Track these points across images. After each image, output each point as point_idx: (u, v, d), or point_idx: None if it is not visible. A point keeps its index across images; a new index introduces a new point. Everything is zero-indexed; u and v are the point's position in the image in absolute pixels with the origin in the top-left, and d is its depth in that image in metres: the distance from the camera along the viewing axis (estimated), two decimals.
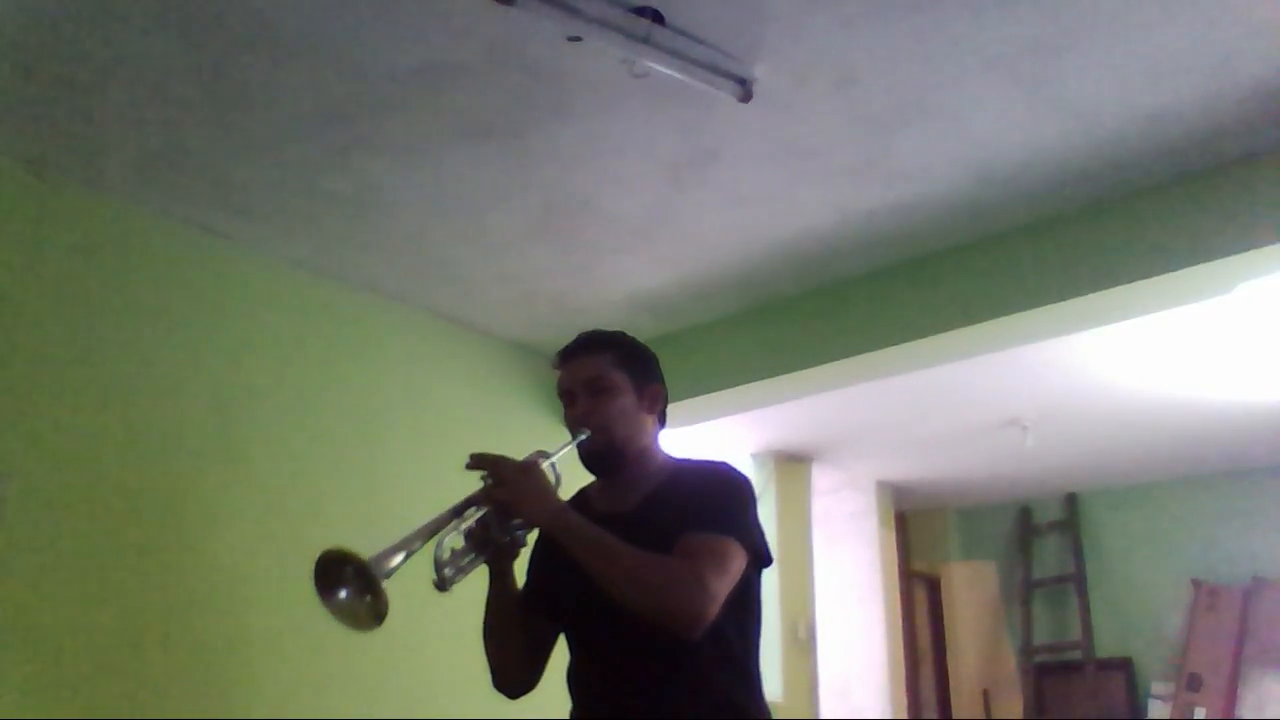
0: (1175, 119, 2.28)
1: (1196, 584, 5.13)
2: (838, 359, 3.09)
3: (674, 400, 3.30)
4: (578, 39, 1.93)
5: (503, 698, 1.78)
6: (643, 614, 1.45)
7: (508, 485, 1.52)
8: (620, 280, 3.10)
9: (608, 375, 1.66)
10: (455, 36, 1.99)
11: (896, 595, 5.51)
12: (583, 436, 1.64)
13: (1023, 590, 5.72)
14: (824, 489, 5.13)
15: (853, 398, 3.80)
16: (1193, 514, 5.29)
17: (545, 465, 1.60)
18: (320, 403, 2.93)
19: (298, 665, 2.69)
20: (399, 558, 1.40)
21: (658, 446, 1.73)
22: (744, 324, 3.34)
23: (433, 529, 1.49)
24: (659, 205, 2.65)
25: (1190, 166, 2.48)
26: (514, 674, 1.72)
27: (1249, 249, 2.40)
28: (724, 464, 1.67)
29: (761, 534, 1.60)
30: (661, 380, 1.76)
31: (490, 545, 1.57)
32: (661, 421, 1.76)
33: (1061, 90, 2.17)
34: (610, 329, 1.78)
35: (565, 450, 1.65)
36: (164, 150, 2.38)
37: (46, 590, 2.28)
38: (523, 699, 1.76)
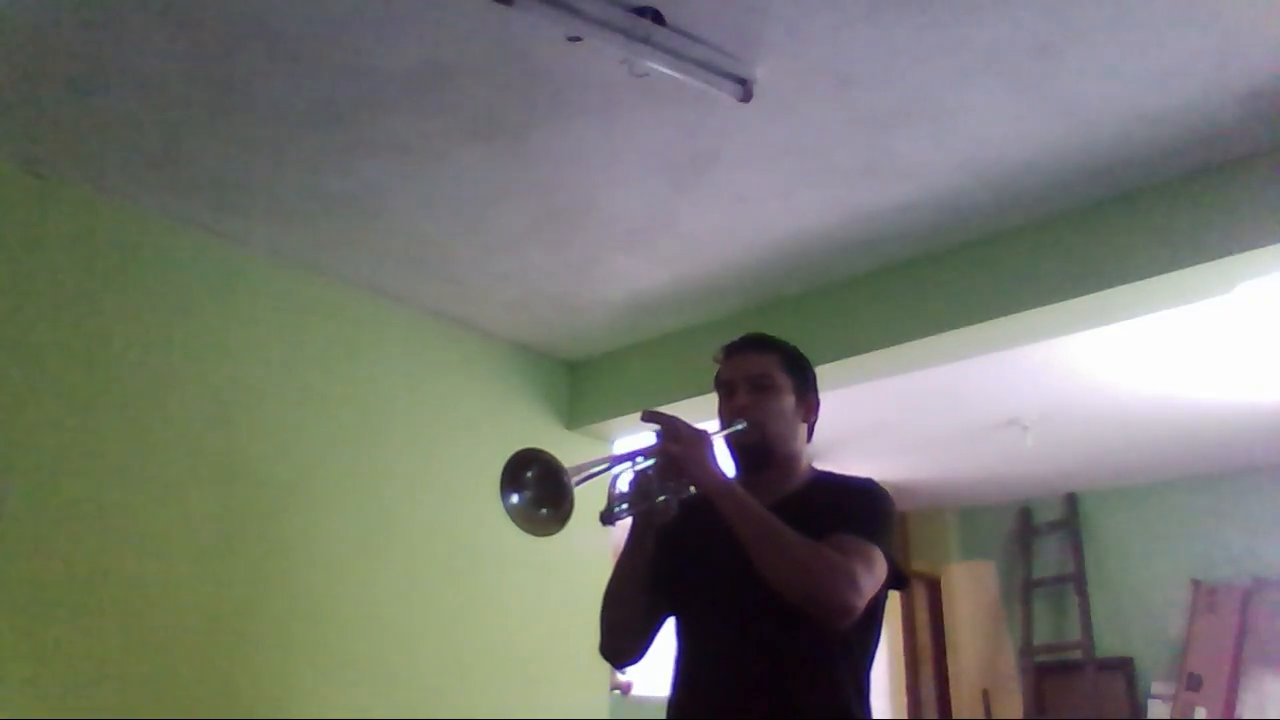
0: (1175, 119, 2.28)
1: (1196, 584, 5.12)
2: (838, 359, 3.08)
3: (674, 401, 3.34)
4: (578, 39, 1.93)
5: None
6: (793, 594, 1.45)
7: (681, 443, 1.52)
8: (620, 280, 3.10)
9: (773, 374, 1.70)
10: (455, 36, 1.99)
11: (897, 595, 5.50)
12: (739, 426, 1.65)
13: (1023, 590, 5.71)
14: None
15: (853, 398, 3.79)
16: (1193, 514, 5.29)
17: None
18: (320, 402, 2.93)
19: (301, 666, 2.69)
20: (583, 474, 1.42)
21: (803, 457, 1.74)
22: (744, 324, 3.29)
23: (616, 460, 1.51)
24: (659, 205, 2.65)
25: (1190, 166, 2.48)
26: (627, 642, 1.71)
27: (1249, 249, 2.39)
28: (871, 480, 1.70)
29: (898, 555, 1.62)
30: (819, 396, 1.78)
31: (648, 500, 1.57)
32: (809, 436, 1.77)
33: (1061, 90, 2.17)
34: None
35: (721, 435, 1.66)
36: (164, 150, 2.38)
37: (47, 590, 2.28)
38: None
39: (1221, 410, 4.23)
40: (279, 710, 2.60)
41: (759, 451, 1.67)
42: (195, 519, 2.58)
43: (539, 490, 1.40)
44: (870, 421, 4.49)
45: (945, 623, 5.98)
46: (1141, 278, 2.54)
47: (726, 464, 1.64)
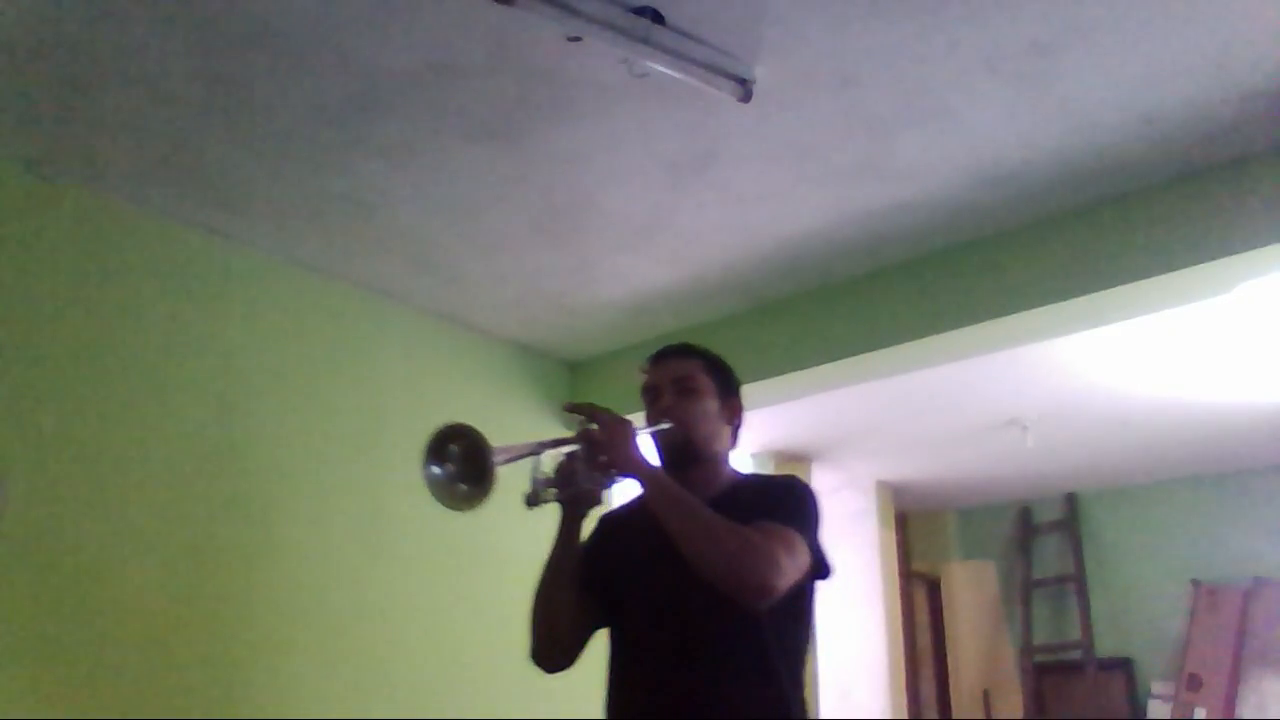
0: (1175, 119, 2.28)
1: (1196, 584, 5.13)
2: (838, 359, 3.09)
3: None
4: (578, 39, 1.93)
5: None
6: (713, 574, 1.47)
7: (604, 429, 1.57)
8: (620, 280, 3.10)
9: (697, 377, 1.76)
10: (455, 36, 1.99)
11: (896, 595, 5.51)
12: (665, 425, 1.70)
13: (1023, 590, 5.72)
14: (824, 489, 5.09)
15: (853, 398, 3.80)
16: (1193, 514, 5.30)
17: None
18: (320, 402, 2.93)
19: (300, 666, 2.69)
20: (507, 455, 1.46)
21: (729, 460, 1.79)
22: (744, 324, 3.34)
23: (538, 447, 1.55)
24: (659, 205, 2.65)
25: (1190, 166, 2.48)
26: (555, 646, 1.72)
27: (1249, 249, 2.40)
28: (794, 476, 1.75)
29: (823, 546, 1.64)
30: (742, 400, 1.83)
31: (572, 485, 1.60)
32: (735, 439, 1.82)
33: (1061, 90, 2.17)
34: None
35: (646, 432, 1.69)
36: (164, 150, 2.38)
37: (46, 590, 2.28)
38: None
39: (1221, 410, 4.24)
40: (278, 709, 2.60)
41: (685, 450, 1.71)
42: (195, 518, 2.57)
43: (462, 466, 1.44)
44: (870, 421, 4.49)
45: (945, 623, 5.98)
46: (1141, 278, 2.55)
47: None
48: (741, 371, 3.25)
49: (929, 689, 5.94)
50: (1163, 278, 2.52)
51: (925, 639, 6.07)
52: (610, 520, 1.80)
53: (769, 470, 4.83)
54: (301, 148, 2.37)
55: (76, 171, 2.46)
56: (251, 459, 2.73)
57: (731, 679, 1.54)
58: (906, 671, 5.56)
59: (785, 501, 1.64)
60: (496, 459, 1.40)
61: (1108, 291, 2.60)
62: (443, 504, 1.45)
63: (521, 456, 1.51)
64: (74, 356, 2.44)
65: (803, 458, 5.04)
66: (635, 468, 1.54)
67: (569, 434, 1.61)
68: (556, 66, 2.07)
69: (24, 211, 2.43)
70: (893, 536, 5.63)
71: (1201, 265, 2.46)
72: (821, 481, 5.12)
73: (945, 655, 5.93)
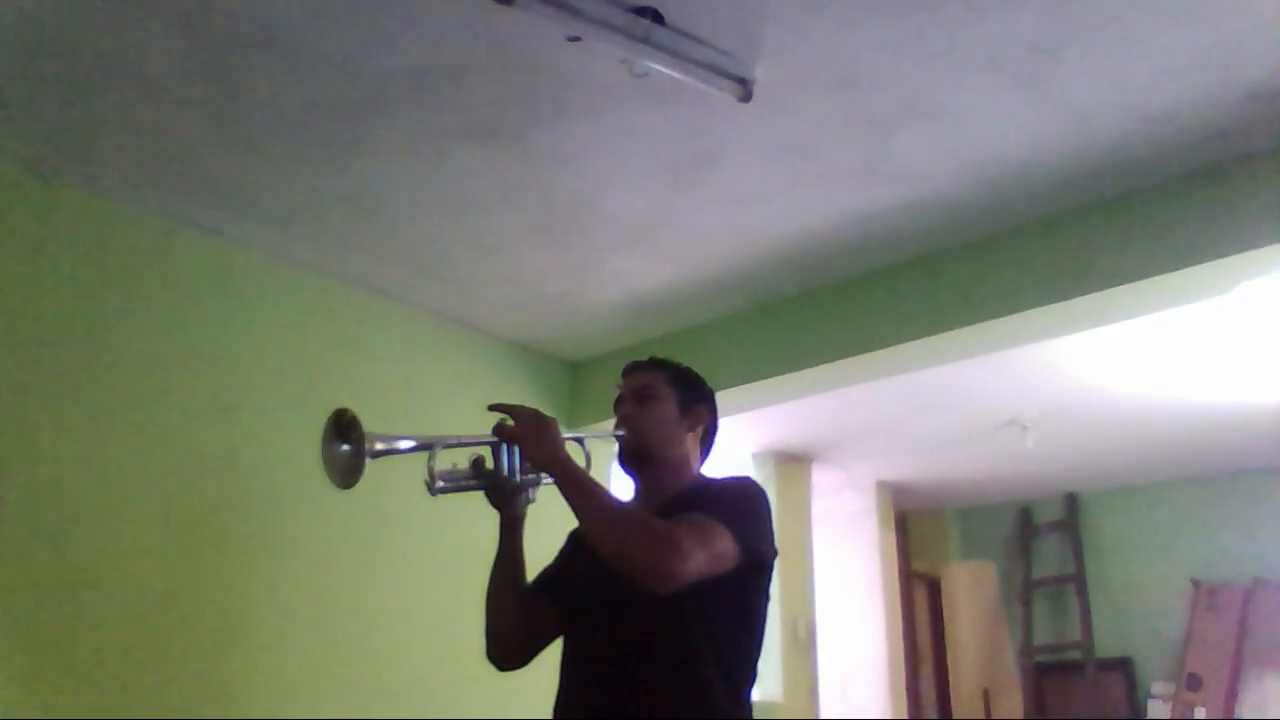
0: (1175, 119, 2.28)
1: (1196, 584, 5.13)
2: (838, 359, 3.09)
3: None
4: (578, 39, 1.93)
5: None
6: (617, 560, 1.49)
7: (520, 424, 1.61)
8: (620, 280, 3.10)
9: (656, 386, 1.81)
10: (455, 36, 1.99)
11: (896, 595, 5.51)
12: (619, 434, 1.77)
13: (1023, 590, 5.72)
14: (824, 489, 5.13)
15: (853, 398, 3.80)
16: (1193, 514, 5.30)
17: (570, 439, 1.68)
18: (319, 402, 2.91)
19: (298, 665, 2.69)
20: (387, 444, 1.59)
21: (693, 466, 1.81)
22: (744, 324, 3.34)
23: (436, 441, 1.64)
24: (659, 205, 2.65)
25: (1190, 166, 2.48)
26: (504, 643, 1.78)
27: (1249, 249, 2.39)
28: (746, 476, 1.77)
29: (764, 539, 1.62)
30: (711, 407, 1.86)
31: (488, 477, 1.67)
32: (705, 447, 1.85)
33: (1061, 90, 2.17)
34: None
35: (597, 438, 1.78)
36: (164, 150, 2.38)
37: (46, 590, 2.28)
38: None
39: (1221, 410, 4.24)
40: (278, 709, 2.60)
41: (638, 453, 1.76)
42: (193, 517, 2.58)
43: (355, 446, 1.56)
44: (870, 421, 4.49)
45: (945, 623, 5.99)
46: (1141, 278, 2.55)
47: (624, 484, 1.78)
48: (741, 371, 3.32)
49: (929, 689, 5.94)
50: (1163, 278, 2.52)
51: (925, 639, 6.06)
52: (576, 532, 1.82)
53: (769, 470, 4.84)
54: (301, 148, 2.37)
55: (76, 171, 2.46)
56: (250, 459, 2.73)
57: (651, 678, 1.54)
58: (906, 671, 5.56)
59: (720, 497, 1.65)
60: (376, 445, 1.53)
61: (1108, 291, 2.60)
62: (335, 480, 1.57)
63: (403, 451, 1.61)
64: (74, 357, 2.44)
65: (803, 458, 5.04)
66: (546, 459, 1.57)
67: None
68: (556, 66, 2.07)
69: (25, 212, 2.43)
70: (893, 536, 5.63)
71: (1201, 265, 2.46)
72: (821, 481, 5.13)
73: (945, 655, 5.94)
